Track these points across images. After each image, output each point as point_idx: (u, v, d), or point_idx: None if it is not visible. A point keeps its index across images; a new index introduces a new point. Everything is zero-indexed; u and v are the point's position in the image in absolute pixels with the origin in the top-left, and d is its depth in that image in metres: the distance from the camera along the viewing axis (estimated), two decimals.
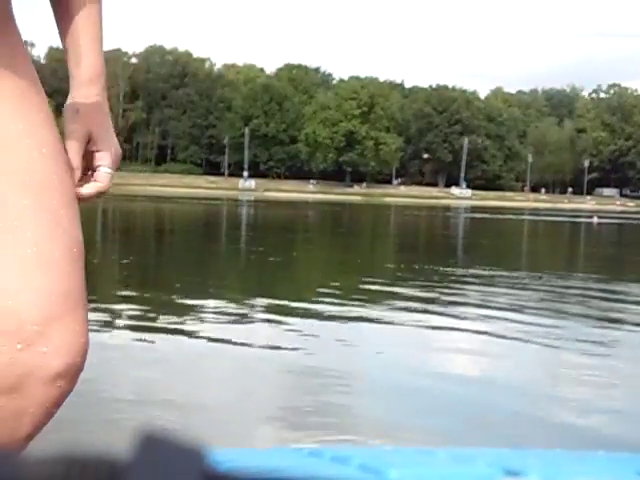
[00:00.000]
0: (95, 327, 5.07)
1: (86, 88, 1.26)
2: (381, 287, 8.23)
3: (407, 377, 4.08)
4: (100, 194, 1.27)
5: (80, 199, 1.23)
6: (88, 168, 1.27)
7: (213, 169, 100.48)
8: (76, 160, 1.24)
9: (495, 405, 3.66)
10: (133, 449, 0.26)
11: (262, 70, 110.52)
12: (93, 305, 5.88)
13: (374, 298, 7.26)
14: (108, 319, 5.58)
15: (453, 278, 9.26)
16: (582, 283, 9.25)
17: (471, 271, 10.04)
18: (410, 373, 4.19)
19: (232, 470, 0.28)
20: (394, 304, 6.93)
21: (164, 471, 0.26)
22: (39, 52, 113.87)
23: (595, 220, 34.86)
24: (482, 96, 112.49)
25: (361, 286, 8.27)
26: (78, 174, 1.24)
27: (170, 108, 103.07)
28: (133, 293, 7.28)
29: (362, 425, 3.26)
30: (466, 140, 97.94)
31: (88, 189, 1.25)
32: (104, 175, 1.26)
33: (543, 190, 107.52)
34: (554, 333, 5.74)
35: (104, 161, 1.27)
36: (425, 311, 6.52)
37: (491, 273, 9.88)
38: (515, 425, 3.36)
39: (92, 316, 5.62)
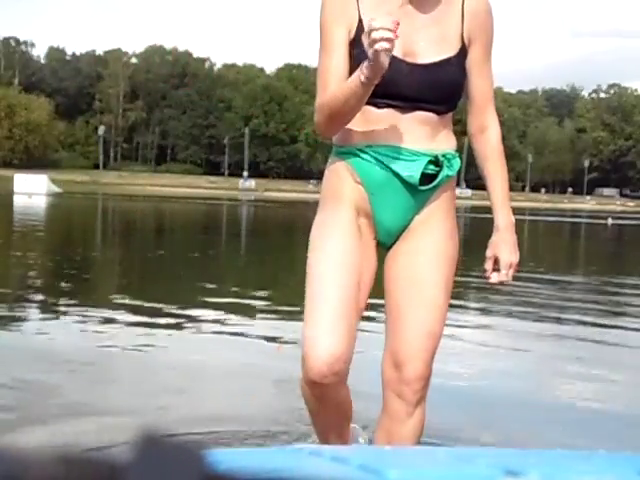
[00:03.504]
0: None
1: (501, 227, 2.33)
2: None
3: None
4: (502, 283, 2.29)
5: (491, 283, 2.30)
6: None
7: (213, 169, 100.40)
8: (489, 255, 2.30)
9: None
10: (133, 450, 0.26)
11: (262, 70, 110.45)
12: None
13: None
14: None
15: None
16: None
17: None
18: None
19: (232, 470, 0.28)
20: None
21: (164, 472, 0.26)
22: (39, 52, 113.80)
23: (610, 222, 34.05)
24: None
25: None
26: (490, 264, 2.29)
27: (170, 108, 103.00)
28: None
29: None
30: (466, 140, 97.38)
31: (494, 278, 2.29)
32: (502, 273, 2.27)
33: (543, 190, 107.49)
34: None
35: (501, 265, 2.28)
36: None
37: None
38: None
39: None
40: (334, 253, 2.20)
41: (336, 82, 2.16)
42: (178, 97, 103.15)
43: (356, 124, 2.22)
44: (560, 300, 8.00)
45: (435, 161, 2.24)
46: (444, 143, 2.28)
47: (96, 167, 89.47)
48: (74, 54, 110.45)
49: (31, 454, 0.26)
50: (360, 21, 2.18)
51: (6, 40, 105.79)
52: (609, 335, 5.78)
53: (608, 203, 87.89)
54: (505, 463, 0.58)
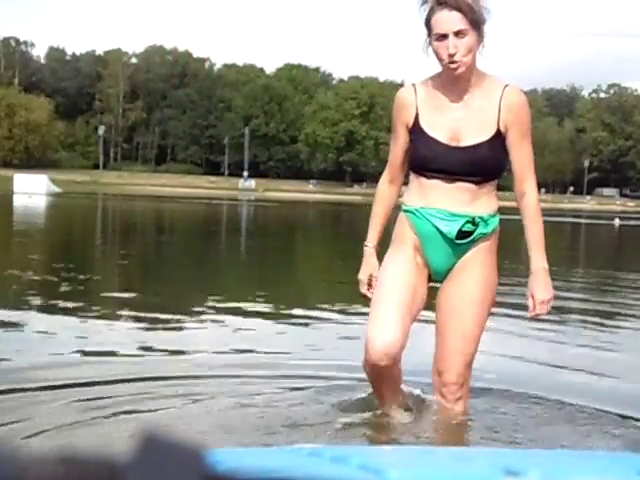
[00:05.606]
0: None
1: (533, 271, 3.01)
2: None
3: None
4: (537, 315, 3.05)
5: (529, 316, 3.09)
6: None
7: (213, 169, 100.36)
8: (527, 295, 3.04)
9: None
10: (133, 450, 0.26)
11: (262, 70, 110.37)
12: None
13: None
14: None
15: None
16: None
17: None
18: None
19: (232, 470, 0.28)
20: None
21: (164, 472, 0.26)
22: (39, 52, 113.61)
23: (617, 223, 33.37)
24: None
25: None
26: (530, 301, 3.02)
27: (170, 108, 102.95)
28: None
29: None
30: None
31: (530, 312, 3.03)
32: (537, 308, 3.00)
33: (543, 190, 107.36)
34: None
35: (536, 301, 2.99)
36: None
37: None
38: None
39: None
40: (395, 273, 3.03)
41: (395, 159, 3.14)
42: (178, 97, 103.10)
43: (415, 189, 3.06)
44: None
45: (472, 221, 2.96)
46: (482, 207, 3.00)
47: (96, 167, 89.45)
48: (74, 54, 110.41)
49: (32, 454, 0.26)
50: (417, 115, 3.02)
51: (6, 40, 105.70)
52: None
53: (608, 203, 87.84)
54: (505, 463, 0.57)
